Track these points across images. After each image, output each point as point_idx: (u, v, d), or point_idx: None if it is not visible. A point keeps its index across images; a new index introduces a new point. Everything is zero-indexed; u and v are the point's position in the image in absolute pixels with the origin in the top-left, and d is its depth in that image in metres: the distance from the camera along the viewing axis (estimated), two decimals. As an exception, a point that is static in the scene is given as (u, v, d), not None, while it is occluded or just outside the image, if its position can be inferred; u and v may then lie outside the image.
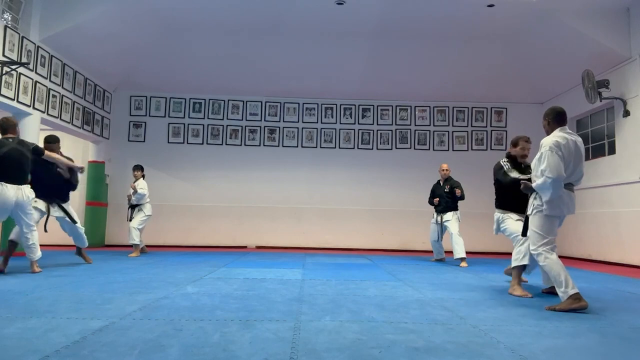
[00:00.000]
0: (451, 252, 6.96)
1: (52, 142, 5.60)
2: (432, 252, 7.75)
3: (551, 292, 4.07)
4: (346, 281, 4.76)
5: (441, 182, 7.50)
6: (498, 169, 4.71)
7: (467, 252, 6.96)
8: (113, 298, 3.51)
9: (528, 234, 3.69)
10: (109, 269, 5.50)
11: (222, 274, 5.18)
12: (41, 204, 5.39)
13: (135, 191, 7.42)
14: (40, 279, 4.49)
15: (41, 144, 5.55)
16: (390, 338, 2.49)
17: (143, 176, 7.74)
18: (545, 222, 3.56)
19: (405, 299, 3.72)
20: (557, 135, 3.59)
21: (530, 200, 3.69)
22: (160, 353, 2.15)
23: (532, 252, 3.62)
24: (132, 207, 7.60)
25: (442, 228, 7.28)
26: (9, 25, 6.67)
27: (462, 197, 7.17)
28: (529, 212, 3.68)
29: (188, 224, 9.87)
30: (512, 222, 4.49)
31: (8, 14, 6.87)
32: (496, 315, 3.18)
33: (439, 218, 7.30)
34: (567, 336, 2.65)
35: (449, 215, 7.18)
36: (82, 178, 9.59)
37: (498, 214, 4.63)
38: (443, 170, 7.48)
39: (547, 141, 3.57)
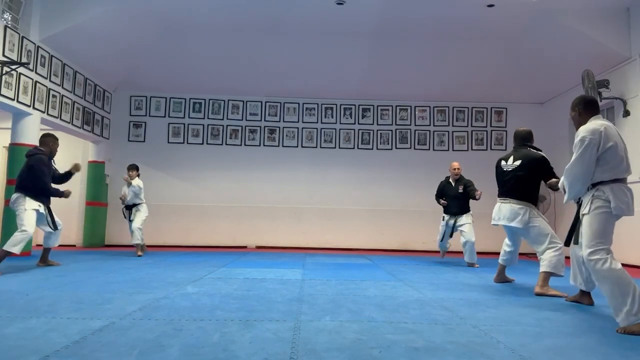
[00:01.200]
0: (452, 252, 6.91)
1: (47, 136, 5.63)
2: (433, 252, 7.74)
3: (577, 301, 3.69)
4: (346, 281, 4.76)
5: (452, 182, 6.93)
6: (547, 162, 4.52)
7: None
8: (113, 298, 3.51)
9: (584, 236, 3.04)
10: (109, 269, 5.50)
11: (222, 274, 5.18)
12: (34, 204, 5.29)
13: (130, 183, 7.39)
14: (40, 279, 4.49)
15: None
16: (390, 338, 2.49)
17: (138, 175, 7.67)
18: (608, 223, 3.00)
19: (405, 299, 3.72)
20: (598, 122, 3.15)
21: (588, 198, 3.09)
22: (160, 353, 2.15)
23: (588, 257, 2.95)
24: (128, 207, 7.59)
25: (452, 230, 6.84)
26: (9, 25, 6.67)
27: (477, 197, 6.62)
28: (584, 211, 3.08)
29: (188, 223, 9.88)
30: (544, 221, 4.39)
31: (8, 14, 6.87)
32: (496, 315, 3.17)
33: (451, 221, 6.80)
34: (567, 336, 2.65)
35: (463, 219, 6.68)
36: (82, 178, 9.65)
37: (527, 207, 4.41)
38: (455, 169, 6.90)
39: (583, 128, 3.12)
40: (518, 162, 4.51)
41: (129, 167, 7.71)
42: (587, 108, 3.28)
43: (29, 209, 5.19)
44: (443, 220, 6.99)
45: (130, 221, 7.53)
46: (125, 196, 7.48)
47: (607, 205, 2.98)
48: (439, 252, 7.75)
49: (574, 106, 3.36)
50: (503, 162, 4.69)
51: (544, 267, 4.20)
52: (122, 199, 7.55)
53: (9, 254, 5.03)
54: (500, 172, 4.70)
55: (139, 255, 7.18)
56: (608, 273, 2.84)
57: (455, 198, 6.76)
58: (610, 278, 2.83)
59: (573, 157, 3.11)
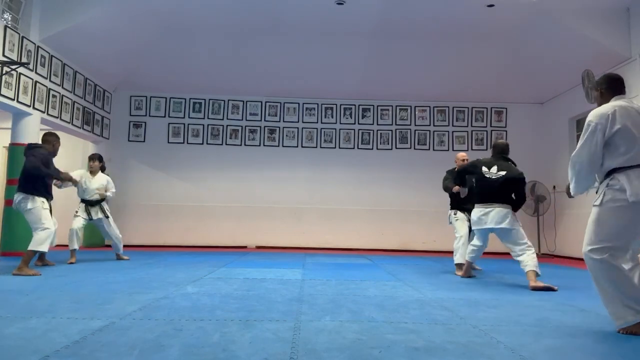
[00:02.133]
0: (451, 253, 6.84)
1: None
2: (433, 252, 7.69)
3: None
4: (346, 281, 4.76)
5: None
6: (524, 181, 4.99)
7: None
8: (113, 298, 3.51)
9: (588, 229, 2.81)
10: (109, 269, 5.50)
11: (222, 274, 5.18)
12: (40, 200, 5.14)
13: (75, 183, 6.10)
14: (40, 279, 4.49)
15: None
16: (390, 338, 2.49)
17: (103, 169, 6.67)
18: (623, 218, 2.69)
19: (405, 299, 3.72)
20: (610, 104, 2.87)
21: (602, 188, 2.82)
22: (160, 353, 2.15)
23: (588, 254, 2.76)
24: (93, 203, 6.51)
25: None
26: (9, 25, 6.67)
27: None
28: (596, 202, 2.83)
29: (188, 223, 9.87)
30: (520, 226, 4.87)
31: (8, 14, 6.87)
32: (496, 315, 3.17)
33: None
34: (567, 336, 2.65)
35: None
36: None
37: (510, 211, 4.83)
38: (463, 160, 5.96)
39: (592, 112, 2.87)
40: (503, 173, 4.88)
41: (91, 157, 6.70)
42: (610, 87, 2.96)
43: (36, 206, 5.03)
44: (459, 215, 5.82)
45: (90, 219, 6.44)
46: (75, 182, 6.05)
47: (623, 196, 2.67)
48: (440, 252, 7.66)
49: (598, 85, 3.04)
50: (485, 169, 4.98)
51: (530, 267, 4.53)
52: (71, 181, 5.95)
53: (35, 253, 4.97)
54: (482, 178, 4.98)
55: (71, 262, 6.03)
56: (607, 274, 2.67)
57: (469, 192, 5.79)
58: (609, 279, 2.67)
59: (578, 144, 2.88)
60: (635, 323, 2.64)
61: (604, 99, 2.98)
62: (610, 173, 2.78)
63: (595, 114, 2.85)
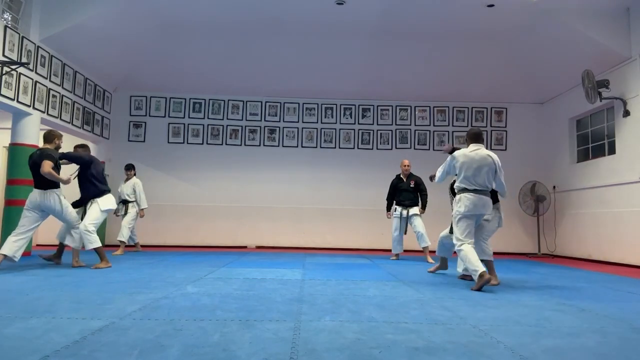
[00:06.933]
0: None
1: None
2: (431, 252, 7.72)
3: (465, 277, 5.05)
4: (346, 281, 4.76)
5: (404, 178, 7.71)
6: None
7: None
8: (113, 298, 3.51)
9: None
10: (109, 269, 5.50)
11: (222, 274, 5.18)
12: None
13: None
14: (40, 279, 4.49)
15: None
16: (390, 338, 2.49)
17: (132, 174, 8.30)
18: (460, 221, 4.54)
19: (405, 299, 3.72)
20: (465, 149, 4.72)
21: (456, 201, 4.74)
22: (160, 353, 2.15)
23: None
24: (124, 202, 8.08)
25: (407, 222, 7.55)
26: (9, 25, 6.67)
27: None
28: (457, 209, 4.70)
29: (188, 224, 9.87)
30: None
31: (8, 14, 6.87)
32: (496, 315, 3.17)
33: (404, 212, 7.55)
34: (567, 336, 2.65)
35: (415, 210, 7.53)
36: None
37: None
38: (405, 166, 7.76)
39: (457, 152, 4.78)
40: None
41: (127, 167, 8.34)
42: (471, 139, 4.82)
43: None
44: (396, 212, 7.66)
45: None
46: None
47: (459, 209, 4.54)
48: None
49: (466, 136, 4.97)
50: None
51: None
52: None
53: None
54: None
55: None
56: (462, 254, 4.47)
57: (407, 192, 7.64)
58: (463, 256, 4.43)
59: (444, 163, 4.89)
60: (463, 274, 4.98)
61: (467, 144, 4.81)
62: (460, 192, 4.59)
63: (457, 153, 4.70)
